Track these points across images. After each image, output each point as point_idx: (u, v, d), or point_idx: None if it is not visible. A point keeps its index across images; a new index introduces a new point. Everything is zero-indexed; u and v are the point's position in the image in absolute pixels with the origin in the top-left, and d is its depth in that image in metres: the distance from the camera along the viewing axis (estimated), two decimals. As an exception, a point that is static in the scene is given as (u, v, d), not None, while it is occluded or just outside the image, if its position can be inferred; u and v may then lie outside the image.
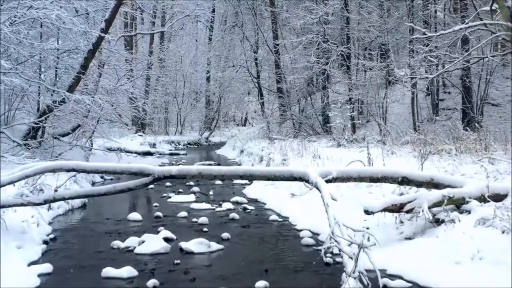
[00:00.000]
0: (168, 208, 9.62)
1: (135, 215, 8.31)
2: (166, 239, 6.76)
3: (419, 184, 6.71)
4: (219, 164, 18.53)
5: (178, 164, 18.60)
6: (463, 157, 10.56)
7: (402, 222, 6.78)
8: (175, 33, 34.88)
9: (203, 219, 8.01)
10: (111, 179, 13.19)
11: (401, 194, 7.98)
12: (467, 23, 10.99)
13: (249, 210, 9.17)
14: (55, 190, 6.59)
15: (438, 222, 6.24)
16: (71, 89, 13.80)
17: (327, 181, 6.67)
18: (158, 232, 7.07)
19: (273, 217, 8.40)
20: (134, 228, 7.69)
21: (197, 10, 23.59)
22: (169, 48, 32.11)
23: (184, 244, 6.31)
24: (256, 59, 28.74)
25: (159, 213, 8.58)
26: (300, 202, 9.29)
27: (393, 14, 19.83)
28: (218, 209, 9.22)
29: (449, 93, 22.00)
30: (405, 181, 6.70)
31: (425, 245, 5.86)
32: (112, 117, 18.19)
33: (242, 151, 20.55)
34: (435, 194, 6.30)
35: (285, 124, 24.20)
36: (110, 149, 23.00)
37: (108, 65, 16.66)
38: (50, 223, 7.87)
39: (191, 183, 12.91)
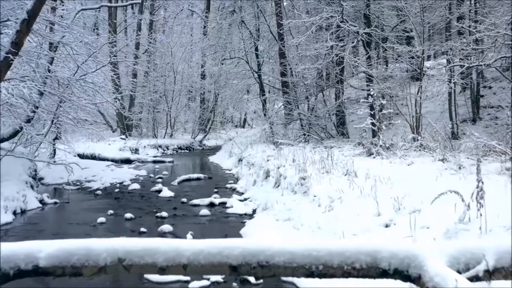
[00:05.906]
0: (107, 277, 5.43)
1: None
2: None
3: None
4: (210, 178, 14.26)
5: (157, 178, 14.23)
6: None
7: None
8: (165, 21, 30.69)
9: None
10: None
11: None
12: None
13: None
14: None
15: None
16: (-2, 76, 9.64)
17: (471, 279, 2.50)
18: None
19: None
20: None
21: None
22: (158, 39, 27.86)
23: None
24: (256, 48, 24.47)
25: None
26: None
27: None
28: (196, 284, 4.97)
29: (490, 87, 18.18)
30: None
31: None
32: (73, 116, 13.92)
33: (240, 160, 16.29)
34: None
35: (291, 126, 20.11)
36: (81, 156, 19.34)
37: (65, 47, 12.42)
38: None
39: (164, 212, 8.70)
